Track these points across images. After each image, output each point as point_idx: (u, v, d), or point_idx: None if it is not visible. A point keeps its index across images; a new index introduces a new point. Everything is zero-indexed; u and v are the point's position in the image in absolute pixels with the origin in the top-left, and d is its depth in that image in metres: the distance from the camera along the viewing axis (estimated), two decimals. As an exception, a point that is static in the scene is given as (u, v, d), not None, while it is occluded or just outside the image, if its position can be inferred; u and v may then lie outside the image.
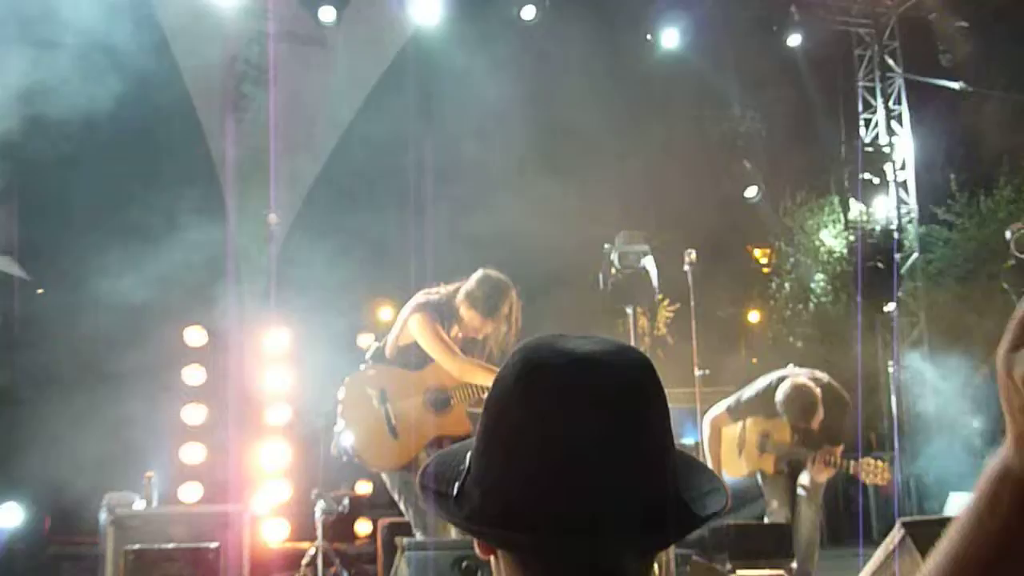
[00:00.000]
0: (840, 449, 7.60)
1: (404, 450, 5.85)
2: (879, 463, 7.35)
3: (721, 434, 8.17)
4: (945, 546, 0.96)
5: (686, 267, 9.32)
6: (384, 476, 6.01)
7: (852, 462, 7.42)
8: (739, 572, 6.92)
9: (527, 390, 1.28)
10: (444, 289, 6.11)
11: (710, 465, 7.68)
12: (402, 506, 5.98)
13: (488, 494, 1.28)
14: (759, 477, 8.17)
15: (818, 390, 7.46)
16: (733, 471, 8.18)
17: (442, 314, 5.97)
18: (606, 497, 1.22)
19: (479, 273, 6.08)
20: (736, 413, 8.09)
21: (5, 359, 9.83)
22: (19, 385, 9.52)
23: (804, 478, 7.69)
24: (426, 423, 5.88)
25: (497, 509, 1.26)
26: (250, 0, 10.92)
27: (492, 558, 1.34)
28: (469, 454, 1.34)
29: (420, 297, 6.06)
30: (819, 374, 7.86)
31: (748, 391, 8.12)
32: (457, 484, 1.32)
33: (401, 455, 5.85)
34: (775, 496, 7.88)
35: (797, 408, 7.39)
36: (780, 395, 7.52)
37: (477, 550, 1.37)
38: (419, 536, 5.76)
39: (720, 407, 8.15)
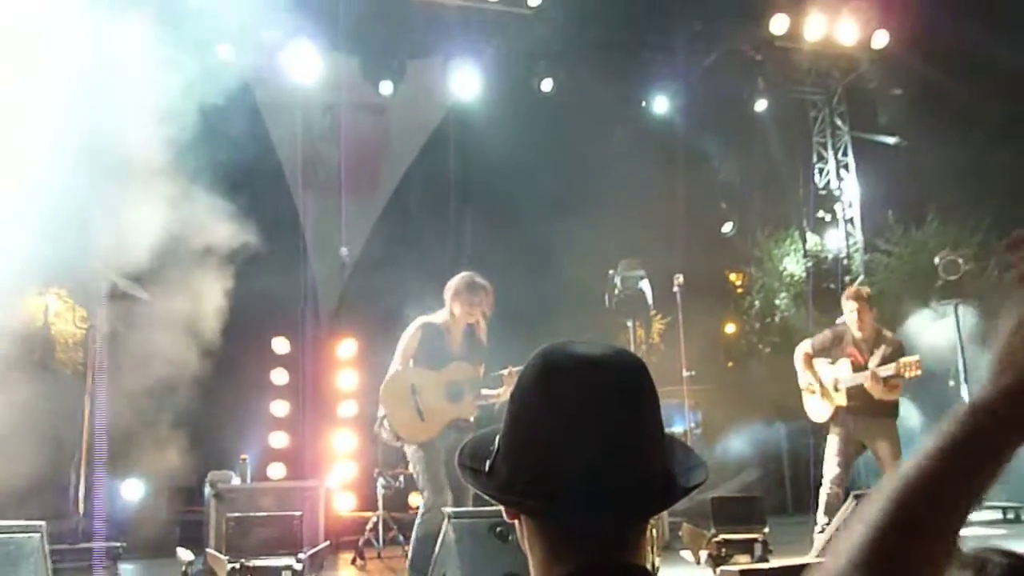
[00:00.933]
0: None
1: (428, 429, 6.11)
2: (911, 359, 6.80)
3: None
4: (911, 461, 0.89)
5: (675, 288, 9.35)
6: (407, 451, 6.23)
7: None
8: (721, 535, 6.90)
9: (545, 386, 1.28)
10: (439, 311, 6.43)
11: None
12: (415, 474, 6.20)
13: (514, 469, 1.27)
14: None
15: None
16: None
17: (432, 329, 6.33)
18: (608, 472, 1.21)
19: (460, 274, 6.50)
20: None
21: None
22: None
23: None
24: (445, 409, 6.14)
25: (521, 481, 1.26)
26: (325, 77, 10.97)
27: (517, 522, 1.33)
28: (498, 438, 1.33)
29: (420, 319, 6.44)
30: None
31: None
32: (488, 462, 1.31)
33: (427, 432, 6.10)
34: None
35: None
36: None
37: (504, 515, 1.35)
38: (426, 495, 5.98)
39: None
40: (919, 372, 6.79)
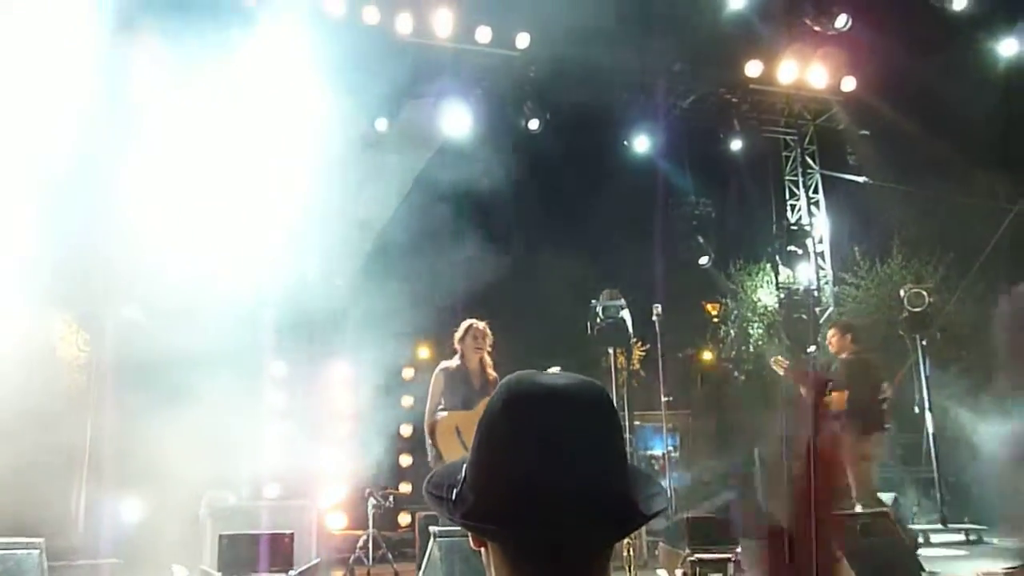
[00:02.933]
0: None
1: None
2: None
3: None
4: None
5: (654, 317, 9.39)
6: None
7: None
8: (696, 555, 6.88)
9: (510, 414, 1.26)
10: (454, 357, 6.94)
11: None
12: None
13: (479, 497, 1.25)
14: None
15: None
16: None
17: (449, 373, 6.81)
18: (570, 499, 1.19)
19: (464, 322, 7.04)
20: None
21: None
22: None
23: None
24: None
25: (485, 508, 1.23)
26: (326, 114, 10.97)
27: (483, 549, 1.31)
28: (464, 466, 1.30)
29: (440, 364, 6.98)
30: None
31: None
32: (455, 490, 1.29)
33: None
34: None
35: None
36: None
37: (471, 543, 1.33)
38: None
39: None
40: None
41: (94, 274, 8.26)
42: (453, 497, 1.29)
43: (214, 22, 9.03)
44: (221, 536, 6.19)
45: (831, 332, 8.27)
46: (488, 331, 6.98)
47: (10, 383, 8.38)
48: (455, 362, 6.87)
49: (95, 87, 8.76)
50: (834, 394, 7.64)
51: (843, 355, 8.05)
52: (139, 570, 8.42)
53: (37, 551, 4.19)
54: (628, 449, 11.66)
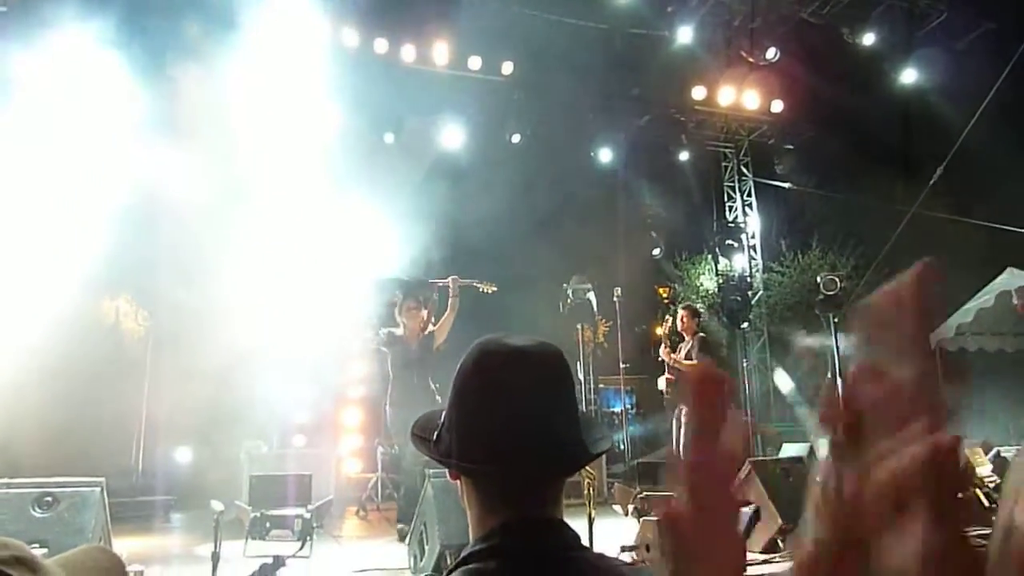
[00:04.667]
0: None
1: None
2: None
3: None
4: None
5: (615, 299, 9.41)
6: None
7: None
8: (645, 492, 6.93)
9: (480, 368, 1.26)
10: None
11: None
12: None
13: (453, 438, 1.24)
14: None
15: None
16: None
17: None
18: (530, 439, 1.19)
19: None
20: None
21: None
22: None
23: None
24: None
25: (459, 448, 1.23)
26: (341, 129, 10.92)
27: (458, 482, 1.30)
28: (444, 413, 1.30)
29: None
30: None
31: None
32: (436, 432, 1.29)
33: None
34: None
35: None
36: None
37: (448, 476, 1.32)
38: None
39: None
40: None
41: (153, 261, 8.24)
42: (434, 438, 1.29)
43: (246, 53, 8.99)
44: (251, 476, 6.18)
45: (682, 313, 8.30)
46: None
47: (82, 352, 8.38)
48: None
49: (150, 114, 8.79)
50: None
51: (695, 334, 8.14)
52: (186, 505, 8.47)
53: (99, 488, 4.19)
54: (592, 407, 11.61)
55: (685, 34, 11.79)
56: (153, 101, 8.91)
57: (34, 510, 3.99)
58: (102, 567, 1.04)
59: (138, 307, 10.39)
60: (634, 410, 13.54)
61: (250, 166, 9.02)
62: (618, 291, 9.43)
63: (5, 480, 4.14)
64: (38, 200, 8.31)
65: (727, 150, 14.24)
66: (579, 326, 11.31)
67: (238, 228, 8.38)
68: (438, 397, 6.68)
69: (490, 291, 7.69)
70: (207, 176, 8.44)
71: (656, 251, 14.05)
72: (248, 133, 9.09)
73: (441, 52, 10.89)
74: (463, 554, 1.22)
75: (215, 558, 3.94)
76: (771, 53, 11.82)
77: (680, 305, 8.56)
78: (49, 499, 4.02)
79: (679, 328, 8.31)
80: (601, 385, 11.61)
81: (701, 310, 8.87)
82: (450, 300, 7.02)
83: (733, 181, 14.24)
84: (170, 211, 8.18)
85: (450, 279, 7.13)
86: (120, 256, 8.43)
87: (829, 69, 11.77)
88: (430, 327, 6.93)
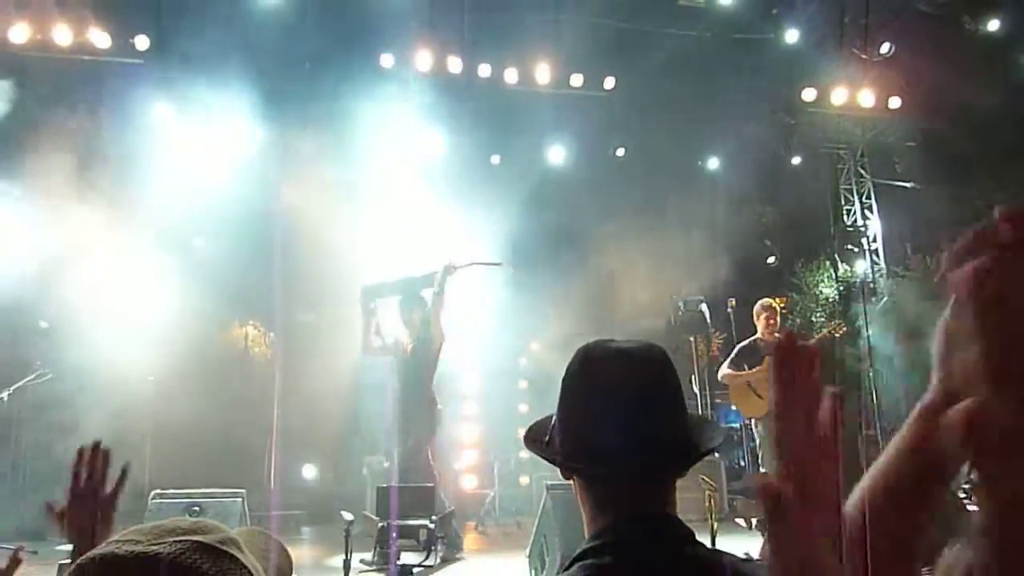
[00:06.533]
0: None
1: None
2: None
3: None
4: (875, 467, 0.78)
5: (729, 310, 9.23)
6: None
7: None
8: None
9: (585, 371, 1.28)
10: None
11: None
12: None
13: (565, 439, 1.27)
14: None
15: None
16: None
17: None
18: (638, 439, 1.20)
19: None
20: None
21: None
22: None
23: None
24: None
25: (570, 448, 1.26)
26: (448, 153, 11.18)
27: (572, 482, 1.32)
28: (553, 417, 1.32)
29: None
30: None
31: None
32: (547, 436, 1.31)
33: None
34: None
35: None
36: None
37: (561, 476, 1.35)
38: None
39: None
40: None
41: (277, 290, 8.70)
42: (546, 440, 1.33)
43: (356, 83, 9.44)
44: (378, 488, 6.40)
45: (768, 312, 7.88)
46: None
47: (218, 377, 8.95)
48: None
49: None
50: None
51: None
52: (315, 519, 8.86)
53: (240, 499, 4.48)
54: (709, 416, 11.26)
55: (792, 35, 11.54)
56: (278, 138, 9.47)
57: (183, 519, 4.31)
58: (272, 548, 1.18)
59: (265, 332, 10.96)
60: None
61: (365, 195, 9.43)
62: (732, 302, 9.25)
63: (159, 491, 4.49)
64: (176, 238, 8.98)
65: (843, 151, 13.72)
66: (691, 339, 11.12)
67: (356, 252, 8.74)
68: (440, 407, 6.72)
69: (495, 266, 7.50)
70: (322, 205, 8.88)
71: (771, 259, 13.66)
72: (363, 164, 9.53)
73: (543, 72, 11.04)
74: (578, 551, 1.25)
75: (346, 566, 4.13)
76: (885, 48, 11.40)
77: (759, 304, 8.15)
78: (196, 509, 4.33)
79: (762, 333, 7.86)
80: (718, 400, 11.35)
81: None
82: (433, 293, 6.84)
83: (850, 183, 13.70)
84: (289, 238, 8.63)
85: (441, 266, 6.90)
86: (247, 285, 8.97)
87: (949, 60, 11.19)
88: (422, 332, 6.80)
